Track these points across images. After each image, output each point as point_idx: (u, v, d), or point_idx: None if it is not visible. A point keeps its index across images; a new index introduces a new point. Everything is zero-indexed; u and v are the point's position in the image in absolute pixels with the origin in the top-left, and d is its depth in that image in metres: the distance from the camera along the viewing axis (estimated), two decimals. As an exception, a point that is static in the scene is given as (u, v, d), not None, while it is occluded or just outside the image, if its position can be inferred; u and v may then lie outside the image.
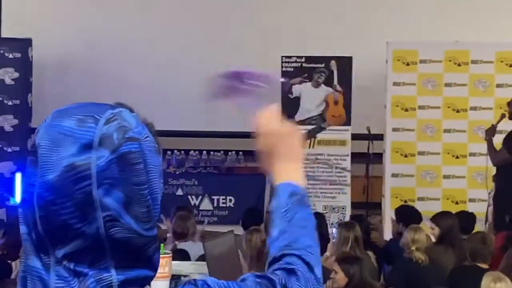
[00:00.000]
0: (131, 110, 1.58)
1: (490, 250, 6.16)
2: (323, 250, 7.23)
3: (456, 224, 7.25)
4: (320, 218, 8.04)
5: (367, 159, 11.18)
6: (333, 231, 7.30)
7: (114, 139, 1.49)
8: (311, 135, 10.46)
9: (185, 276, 5.05)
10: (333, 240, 7.17)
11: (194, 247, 6.71)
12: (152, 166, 1.54)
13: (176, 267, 4.69)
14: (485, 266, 5.97)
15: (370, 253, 7.12)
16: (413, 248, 6.69)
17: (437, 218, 7.36)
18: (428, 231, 7.16)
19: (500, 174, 8.90)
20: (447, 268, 6.66)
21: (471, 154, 10.53)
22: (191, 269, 5.12)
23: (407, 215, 8.02)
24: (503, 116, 8.93)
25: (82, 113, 1.52)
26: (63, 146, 1.48)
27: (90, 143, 1.48)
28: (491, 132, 8.92)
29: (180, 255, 6.55)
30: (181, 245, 6.96)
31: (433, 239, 7.19)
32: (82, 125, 1.50)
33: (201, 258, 6.03)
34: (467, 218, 7.85)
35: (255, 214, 8.43)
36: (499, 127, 9.05)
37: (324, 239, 7.54)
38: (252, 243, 6.80)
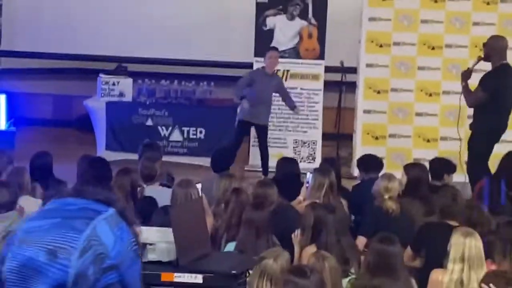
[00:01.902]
0: (109, 202, 1.44)
1: (461, 207, 6.09)
2: (296, 193, 7.19)
3: (425, 176, 7.19)
4: (291, 162, 7.98)
5: (340, 89, 11.09)
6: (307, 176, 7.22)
7: (90, 276, 1.37)
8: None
9: (151, 244, 4.97)
10: (307, 185, 7.11)
11: (161, 194, 6.61)
12: (132, 281, 1.43)
13: (143, 235, 4.59)
14: (455, 223, 5.92)
15: (343, 201, 7.08)
16: (386, 197, 6.64)
17: (407, 168, 7.31)
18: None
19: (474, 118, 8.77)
20: (415, 219, 6.63)
21: (445, 92, 10.46)
22: (157, 237, 5.01)
23: (368, 164, 7.87)
24: (479, 58, 8.76)
25: (53, 242, 1.37)
26: (33, 285, 1.34)
27: (63, 284, 1.35)
28: (466, 75, 8.76)
29: (148, 202, 6.47)
30: (149, 190, 6.85)
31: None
32: (53, 259, 1.36)
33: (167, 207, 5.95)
34: (442, 165, 7.70)
35: (224, 156, 8.30)
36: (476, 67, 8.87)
37: (296, 183, 7.51)
38: (222, 188, 6.76)
